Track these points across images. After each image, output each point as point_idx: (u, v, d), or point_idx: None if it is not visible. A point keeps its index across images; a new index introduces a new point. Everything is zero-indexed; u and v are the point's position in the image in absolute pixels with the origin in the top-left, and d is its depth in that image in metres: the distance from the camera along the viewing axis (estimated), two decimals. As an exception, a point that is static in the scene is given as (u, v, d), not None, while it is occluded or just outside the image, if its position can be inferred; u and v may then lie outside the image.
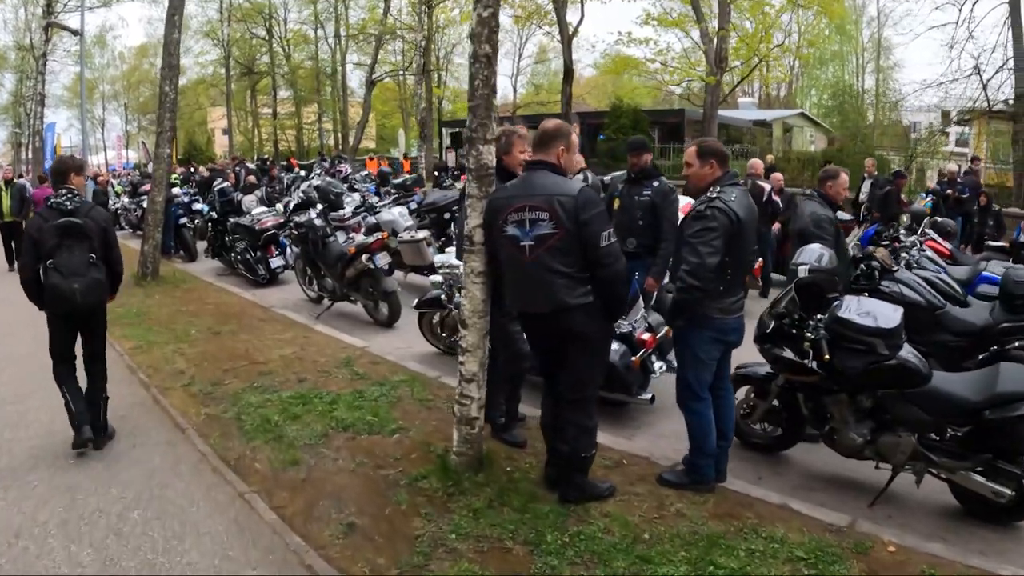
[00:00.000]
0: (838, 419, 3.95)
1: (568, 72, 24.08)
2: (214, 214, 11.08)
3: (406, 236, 8.56)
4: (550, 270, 3.28)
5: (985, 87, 15.11)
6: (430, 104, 27.18)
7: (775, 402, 4.37)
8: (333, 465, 4.04)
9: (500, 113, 25.74)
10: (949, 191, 12.37)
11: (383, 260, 7.56)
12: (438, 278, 5.98)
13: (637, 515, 3.52)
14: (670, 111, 27.61)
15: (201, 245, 12.49)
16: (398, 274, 8.11)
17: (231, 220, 10.67)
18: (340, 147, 35.13)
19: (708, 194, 3.61)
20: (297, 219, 8.40)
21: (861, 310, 3.84)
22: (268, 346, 6.54)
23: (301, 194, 12.26)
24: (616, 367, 4.63)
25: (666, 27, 21.83)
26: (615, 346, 4.64)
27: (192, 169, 20.21)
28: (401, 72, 32.92)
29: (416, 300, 6.44)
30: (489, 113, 3.43)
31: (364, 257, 7.39)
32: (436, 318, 6.48)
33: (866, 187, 12.34)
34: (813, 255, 4.08)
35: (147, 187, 12.20)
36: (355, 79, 39.75)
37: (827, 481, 4.12)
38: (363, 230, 9.41)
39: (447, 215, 8.65)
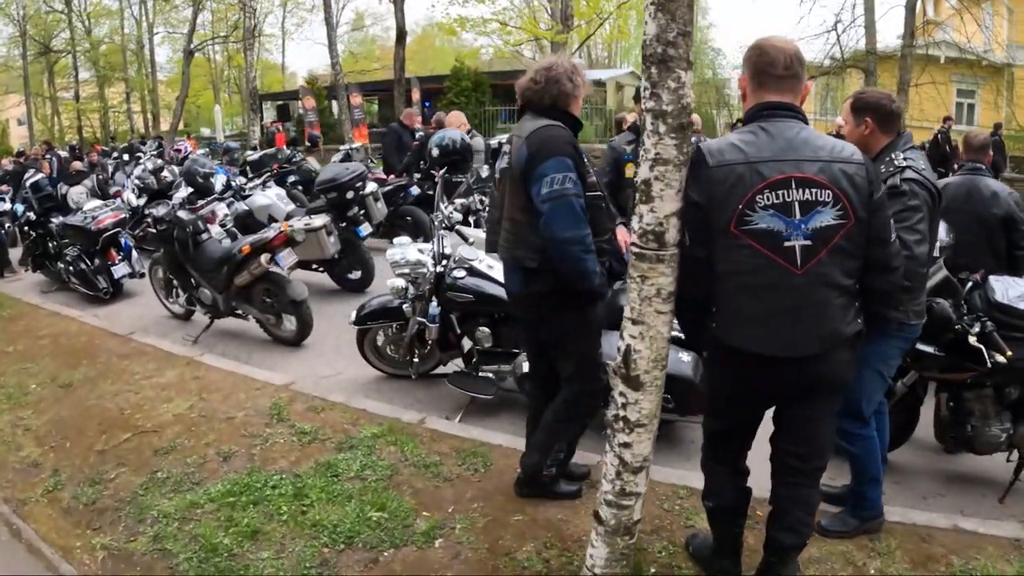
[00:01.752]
0: (979, 415, 3.26)
1: (401, 34, 22.21)
2: (31, 215, 8.22)
3: (299, 224, 6.69)
4: (829, 284, 1.98)
5: (839, 40, 15.60)
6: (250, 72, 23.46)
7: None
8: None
9: (323, 83, 22.66)
10: None
11: (289, 259, 5.67)
12: (399, 282, 4.36)
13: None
14: (511, 72, 26.33)
15: (16, 253, 9.39)
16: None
17: (56, 220, 7.95)
18: (151, 128, 30.24)
19: (894, 162, 2.49)
20: (155, 212, 6.16)
21: (1015, 293, 3.11)
22: (149, 399, 4.51)
23: (136, 181, 9.70)
24: (694, 383, 3.41)
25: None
26: (684, 356, 3.48)
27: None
28: (222, 39, 28.46)
29: (355, 313, 4.74)
30: (691, 13, 1.83)
31: (264, 258, 5.44)
32: (382, 336, 4.86)
33: None
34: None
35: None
36: (162, 54, 34.59)
37: (940, 481, 3.56)
38: (219, 219, 7.35)
39: (350, 194, 6.84)
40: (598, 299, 2.78)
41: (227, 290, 5.77)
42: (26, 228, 8.45)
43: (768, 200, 1.92)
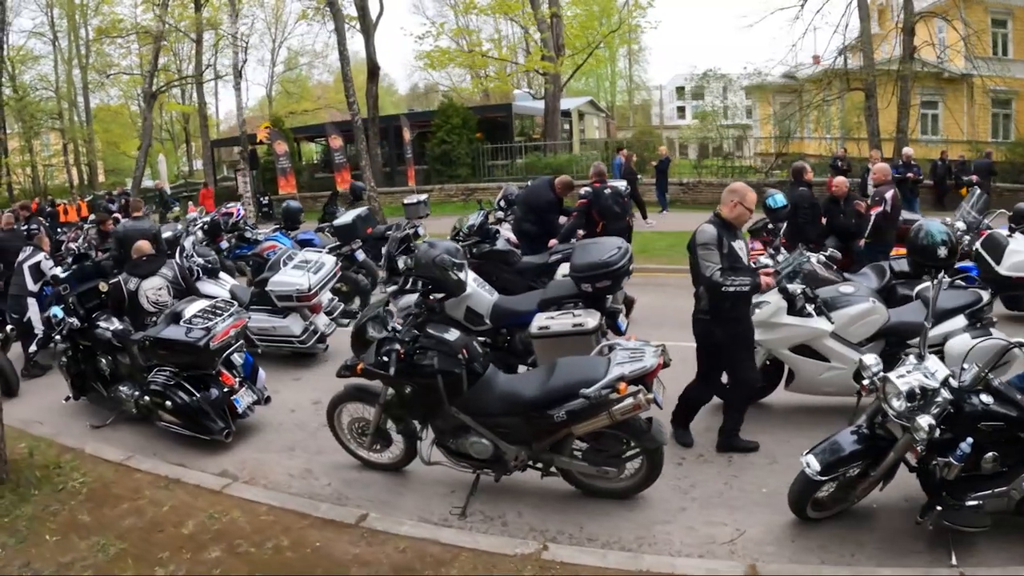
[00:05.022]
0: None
1: (373, 69, 20.23)
2: (74, 320, 5.56)
3: (557, 325, 4.75)
4: None
5: (846, 67, 15.36)
6: (241, 114, 20.10)
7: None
8: None
9: (262, 128, 19.60)
10: (909, 175, 11.90)
11: (660, 392, 3.75)
12: (928, 420, 3.10)
13: None
14: (497, 107, 24.47)
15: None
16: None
17: (109, 326, 5.55)
18: (86, 182, 26.19)
19: None
20: (399, 332, 3.87)
21: None
22: None
23: (199, 260, 7.29)
24: None
25: (496, 13, 18.99)
26: None
27: None
28: (192, 79, 24.99)
29: (816, 463, 3.36)
30: None
31: (644, 397, 3.43)
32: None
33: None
34: None
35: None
36: (95, 99, 30.48)
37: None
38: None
39: (626, 280, 4.83)
40: None
41: (541, 440, 3.78)
42: (66, 341, 5.68)
43: None
